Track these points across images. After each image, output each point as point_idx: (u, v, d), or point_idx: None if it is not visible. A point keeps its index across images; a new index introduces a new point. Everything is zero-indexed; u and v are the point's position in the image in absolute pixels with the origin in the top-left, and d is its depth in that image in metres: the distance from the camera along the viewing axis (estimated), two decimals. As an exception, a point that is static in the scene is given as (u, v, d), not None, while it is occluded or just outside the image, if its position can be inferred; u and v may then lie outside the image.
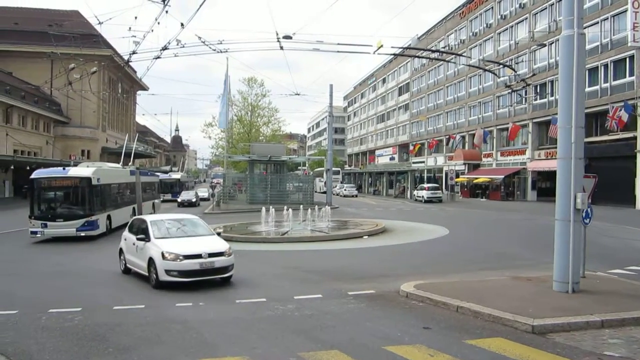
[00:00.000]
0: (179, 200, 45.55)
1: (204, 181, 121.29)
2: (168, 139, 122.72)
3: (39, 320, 8.41)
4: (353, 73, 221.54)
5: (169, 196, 48.64)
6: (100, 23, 23.95)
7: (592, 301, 8.78)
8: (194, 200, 45.33)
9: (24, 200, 48.67)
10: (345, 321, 8.25)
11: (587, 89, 34.36)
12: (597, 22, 37.65)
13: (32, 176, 20.60)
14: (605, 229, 20.55)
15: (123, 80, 74.28)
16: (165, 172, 65.76)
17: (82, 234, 20.15)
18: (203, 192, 56.89)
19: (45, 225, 19.80)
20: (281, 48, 18.55)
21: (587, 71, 32.48)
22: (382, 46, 19.01)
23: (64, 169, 21.86)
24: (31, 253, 17.85)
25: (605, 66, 37.23)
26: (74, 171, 21.74)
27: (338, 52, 21.76)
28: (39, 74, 52.18)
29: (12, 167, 49.47)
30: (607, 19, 37.13)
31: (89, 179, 20.86)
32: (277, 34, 18.21)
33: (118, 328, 7.93)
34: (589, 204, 10.09)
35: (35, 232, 19.86)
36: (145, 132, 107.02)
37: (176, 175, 59.99)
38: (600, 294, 9.33)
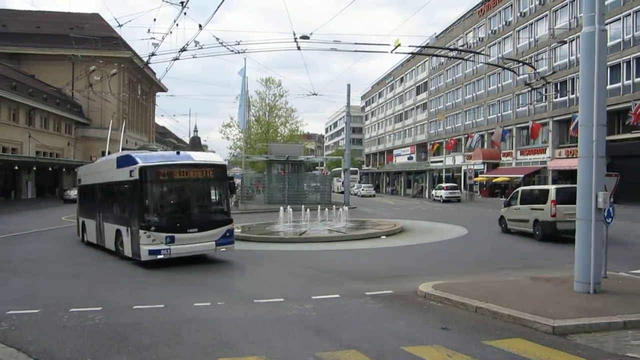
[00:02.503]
0: None
1: None
2: (187, 140, 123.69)
3: (61, 320, 8.53)
4: (370, 72, 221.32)
5: None
6: (119, 25, 24.31)
7: (614, 302, 8.63)
8: None
9: (46, 201, 49.57)
10: (362, 321, 8.23)
11: (609, 87, 33.83)
12: (619, 19, 37.05)
13: (142, 163, 13.75)
14: (628, 228, 20.19)
15: (142, 82, 75.09)
16: None
17: (223, 249, 14.36)
18: None
19: (172, 240, 13.45)
20: (298, 48, 18.60)
21: (608, 68, 31.99)
22: (399, 45, 18.94)
23: (178, 153, 15.24)
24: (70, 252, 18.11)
25: (628, 63, 36.62)
26: (201, 157, 15.98)
27: (355, 51, 21.75)
28: (60, 77, 53.08)
29: (34, 169, 50.33)
30: (630, 15, 36.54)
31: (224, 168, 15.49)
32: (294, 34, 18.27)
33: (137, 327, 8.01)
34: (611, 203, 9.92)
35: (156, 252, 13.31)
36: (165, 133, 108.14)
37: None
38: (623, 295, 9.16)
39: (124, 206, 15.10)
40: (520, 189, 23.20)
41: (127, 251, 14.39)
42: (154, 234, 13.28)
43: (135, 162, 13.85)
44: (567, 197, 16.83)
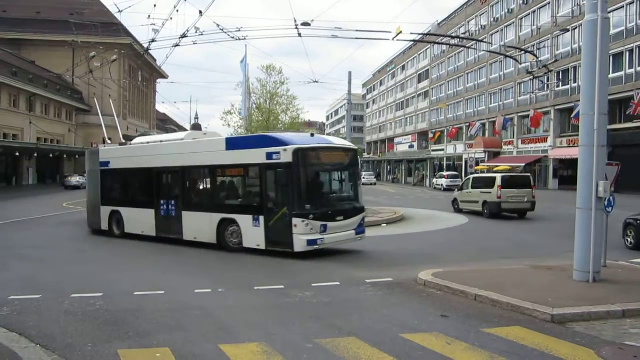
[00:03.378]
0: None
1: None
2: (188, 127, 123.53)
3: (62, 305, 8.57)
4: (372, 60, 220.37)
5: None
6: (120, 11, 24.30)
7: (614, 291, 8.65)
8: None
9: (47, 188, 49.66)
10: (362, 309, 8.27)
11: (611, 75, 33.68)
12: (622, 7, 36.79)
13: (297, 145, 12.73)
14: (628, 217, 20.18)
15: (143, 69, 74.84)
16: None
17: (359, 237, 13.90)
18: None
19: (325, 229, 12.75)
20: (299, 35, 18.45)
21: (611, 57, 31.82)
22: (401, 32, 18.73)
23: (312, 135, 14.12)
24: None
25: (631, 51, 36.42)
26: (339, 141, 15.81)
27: (357, 39, 21.63)
28: (60, 63, 52.89)
29: (35, 155, 50.36)
30: (633, 3, 36.28)
31: (356, 153, 15.20)
32: (295, 21, 18.11)
33: (138, 313, 8.05)
34: (612, 192, 9.92)
35: (313, 242, 12.55)
36: (165, 120, 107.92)
37: None
38: (622, 284, 9.19)
39: (248, 193, 14.43)
40: (471, 176, 28.23)
41: (249, 242, 13.57)
42: (312, 222, 12.41)
43: (284, 144, 12.83)
44: (509, 184, 22.40)
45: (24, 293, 9.38)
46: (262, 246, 13.24)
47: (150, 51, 23.02)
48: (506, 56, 39.16)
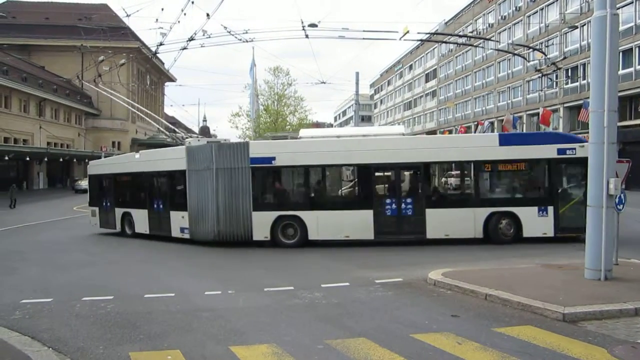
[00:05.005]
0: None
1: None
2: (196, 130, 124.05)
3: (73, 308, 8.63)
4: (379, 60, 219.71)
5: None
6: (127, 15, 24.40)
7: (625, 289, 8.57)
8: None
9: (58, 192, 49.98)
10: (372, 309, 8.25)
11: (621, 72, 33.41)
12: (632, 2, 36.47)
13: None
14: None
15: (151, 72, 75.18)
16: None
17: None
18: None
19: None
20: (306, 36, 18.45)
21: (620, 53, 31.58)
22: (408, 32, 18.66)
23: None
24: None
25: (640, 47, 36.10)
26: None
27: (364, 39, 21.61)
28: (69, 67, 53.19)
29: (45, 159, 50.71)
30: (642, -2, 35.93)
31: None
32: (302, 22, 18.12)
33: (149, 316, 8.08)
34: (623, 190, 9.84)
35: None
36: (174, 123, 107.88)
37: None
38: (634, 282, 9.10)
39: (529, 185, 15.34)
40: None
41: (531, 232, 14.62)
42: None
43: (579, 141, 14.65)
44: None
45: (35, 297, 9.47)
46: (550, 234, 14.50)
47: (158, 55, 23.09)
48: (514, 54, 38.99)
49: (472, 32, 54.99)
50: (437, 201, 15.35)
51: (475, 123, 59.56)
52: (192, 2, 17.27)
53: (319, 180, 16.03)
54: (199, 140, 17.74)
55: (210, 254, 15.08)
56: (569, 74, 42.58)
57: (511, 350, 6.10)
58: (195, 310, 8.41)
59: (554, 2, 46.41)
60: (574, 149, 14.33)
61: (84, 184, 49.86)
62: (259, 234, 15.31)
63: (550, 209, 14.47)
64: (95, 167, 21.67)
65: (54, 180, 58.00)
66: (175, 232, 16.90)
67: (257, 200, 15.51)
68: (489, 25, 57.30)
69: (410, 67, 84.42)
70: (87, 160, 59.47)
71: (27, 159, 48.46)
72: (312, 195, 15.77)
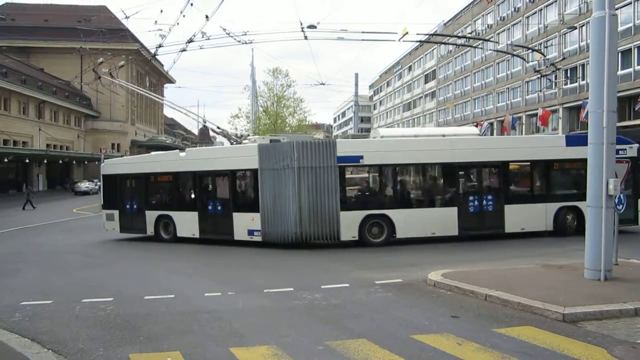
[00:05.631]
0: None
1: None
2: (195, 131, 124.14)
3: (73, 310, 8.62)
4: (378, 62, 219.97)
5: None
6: (126, 17, 24.42)
7: (625, 289, 8.57)
8: None
9: (57, 194, 49.97)
10: (372, 310, 8.24)
11: (620, 72, 33.41)
12: (630, 3, 36.49)
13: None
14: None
15: (150, 74, 75.25)
16: None
17: None
18: None
19: None
20: (305, 38, 18.49)
21: (619, 54, 31.60)
22: (407, 33, 18.68)
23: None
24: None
25: (639, 48, 36.12)
26: None
27: (363, 40, 21.63)
28: (69, 70, 53.30)
29: (45, 162, 50.71)
30: (641, -1, 35.96)
31: None
32: (301, 24, 18.17)
33: (149, 317, 8.08)
34: (622, 190, 9.84)
35: None
36: (173, 125, 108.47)
37: None
38: (634, 282, 9.10)
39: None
40: None
41: None
42: None
43: (629, 142, 15.87)
44: None
45: (35, 298, 9.45)
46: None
47: (157, 56, 23.12)
48: (513, 55, 39.00)
49: (471, 33, 55.04)
50: (514, 197, 16.08)
51: (475, 124, 59.59)
52: (191, 4, 17.29)
53: (406, 179, 16.39)
54: (263, 139, 17.17)
55: (210, 255, 15.09)
56: (568, 75, 42.63)
57: (511, 350, 6.10)
58: (195, 311, 8.41)
59: (552, 3, 46.44)
60: (625, 149, 15.18)
61: (83, 185, 50.07)
62: (347, 233, 15.16)
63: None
64: (112, 167, 19.63)
65: (54, 182, 57.98)
66: (240, 235, 15.84)
67: (345, 200, 15.29)
68: (488, 26, 57.32)
69: (410, 68, 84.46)
70: (86, 162, 59.86)
71: (27, 161, 48.47)
72: (400, 193, 15.91)
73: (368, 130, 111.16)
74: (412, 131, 19.00)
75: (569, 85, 43.72)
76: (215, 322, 7.77)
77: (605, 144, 9.10)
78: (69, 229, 23.08)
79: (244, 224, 15.66)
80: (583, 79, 40.57)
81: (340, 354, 6.18)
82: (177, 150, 19.21)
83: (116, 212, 18.51)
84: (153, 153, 21.51)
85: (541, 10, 47.99)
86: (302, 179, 14.88)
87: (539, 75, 34.94)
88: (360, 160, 15.41)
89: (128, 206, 18.39)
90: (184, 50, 19.01)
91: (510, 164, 16.27)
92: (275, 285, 10.18)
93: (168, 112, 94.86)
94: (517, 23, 52.11)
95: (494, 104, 56.94)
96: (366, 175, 16.47)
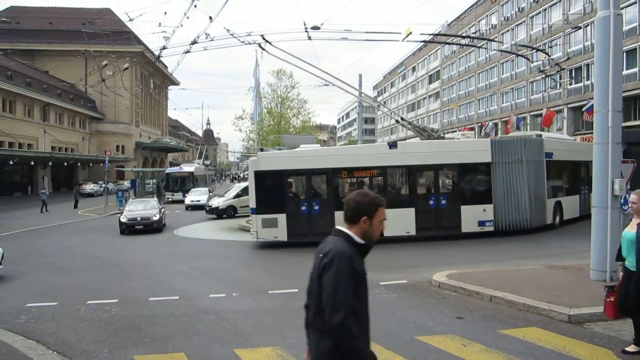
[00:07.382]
0: (185, 202, 34.20)
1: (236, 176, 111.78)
2: (200, 133, 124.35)
3: (78, 312, 8.64)
4: (382, 62, 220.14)
5: (179, 195, 39.55)
6: (130, 20, 24.46)
7: (632, 290, 8.52)
8: (203, 202, 31.75)
9: (62, 196, 50.04)
10: (377, 311, 8.14)
11: (625, 72, 33.26)
12: (635, 2, 36.36)
13: None
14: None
15: (154, 76, 75.41)
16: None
17: None
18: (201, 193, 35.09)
19: None
20: (309, 38, 18.48)
21: (624, 53, 31.46)
22: (411, 33, 18.66)
23: None
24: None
25: (644, 48, 35.97)
26: None
27: (366, 40, 21.60)
28: (73, 72, 53.39)
29: (50, 164, 50.84)
30: (646, -2, 35.82)
31: None
32: (305, 25, 18.15)
33: (153, 319, 8.09)
34: (628, 190, 9.79)
35: None
36: (177, 127, 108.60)
37: (189, 168, 44.94)
38: (640, 283, 9.05)
39: None
40: (238, 185, 32.67)
41: None
42: None
43: None
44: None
45: (40, 300, 9.48)
46: None
47: (161, 58, 23.15)
48: (517, 55, 38.90)
49: (475, 33, 54.93)
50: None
51: (479, 124, 59.46)
52: (195, 6, 17.30)
53: (583, 173, 19.66)
54: (463, 135, 19.51)
55: (213, 256, 15.10)
56: (573, 75, 42.48)
57: (517, 352, 6.07)
58: (200, 313, 8.41)
59: (557, 3, 46.31)
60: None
61: (88, 187, 50.23)
62: (550, 218, 17.65)
63: None
64: (273, 162, 16.25)
65: (59, 184, 58.14)
66: (469, 227, 16.34)
67: (547, 189, 17.65)
68: (492, 27, 57.20)
69: (413, 69, 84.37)
70: (91, 164, 60.06)
71: (32, 163, 48.62)
72: (577, 184, 19.62)
73: (372, 131, 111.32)
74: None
75: (573, 86, 43.56)
76: (219, 323, 7.77)
77: (610, 143, 9.05)
78: (74, 231, 23.13)
79: (474, 215, 16.44)
80: (588, 79, 40.42)
81: (344, 356, 6.15)
82: (378, 143, 20.48)
83: (280, 217, 15.61)
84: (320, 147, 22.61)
85: (545, 10, 47.86)
86: (529, 171, 16.75)
87: (543, 76, 34.84)
88: (552, 157, 17.81)
89: (299, 209, 16.04)
90: (187, 52, 19.00)
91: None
92: (279, 286, 10.17)
93: (172, 114, 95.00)
94: (521, 23, 51.97)
95: (498, 104, 56.78)
96: (557, 168, 18.79)
